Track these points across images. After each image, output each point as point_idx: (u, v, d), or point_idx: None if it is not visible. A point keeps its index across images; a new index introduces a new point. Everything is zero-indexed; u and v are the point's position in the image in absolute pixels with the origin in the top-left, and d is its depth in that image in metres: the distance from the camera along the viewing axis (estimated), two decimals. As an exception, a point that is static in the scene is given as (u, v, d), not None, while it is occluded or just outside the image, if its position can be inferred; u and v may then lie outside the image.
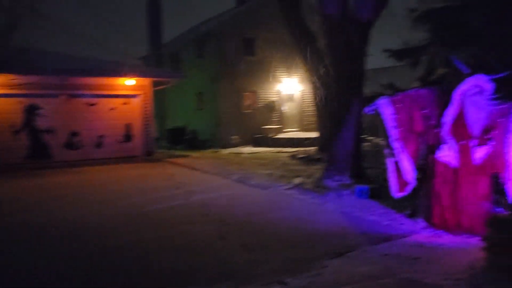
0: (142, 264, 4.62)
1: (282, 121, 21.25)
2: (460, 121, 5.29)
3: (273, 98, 21.19)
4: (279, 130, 20.80)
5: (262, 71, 20.51)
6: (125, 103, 14.40)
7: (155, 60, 25.21)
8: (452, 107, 5.29)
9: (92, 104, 13.95)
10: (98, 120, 14.04)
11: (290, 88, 21.19)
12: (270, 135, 19.92)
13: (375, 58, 15.24)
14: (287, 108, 21.43)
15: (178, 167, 12.30)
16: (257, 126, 20.29)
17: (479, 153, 5.22)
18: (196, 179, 10.06)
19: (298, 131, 21.23)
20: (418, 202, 5.71)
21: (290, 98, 21.55)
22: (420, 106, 5.55)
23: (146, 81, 14.64)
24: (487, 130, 5.22)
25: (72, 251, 5.08)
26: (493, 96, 5.21)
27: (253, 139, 19.93)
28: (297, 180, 8.62)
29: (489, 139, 5.18)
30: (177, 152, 16.83)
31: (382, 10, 7.99)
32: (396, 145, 5.46)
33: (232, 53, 19.71)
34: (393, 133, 5.47)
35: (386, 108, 5.50)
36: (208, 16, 26.61)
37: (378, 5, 7.77)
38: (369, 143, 15.91)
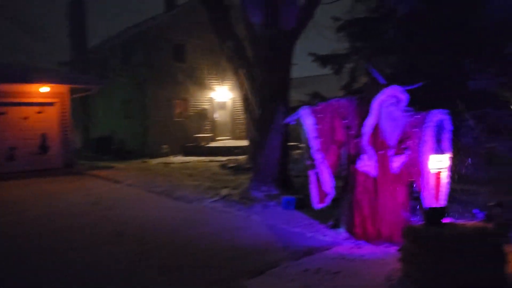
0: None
1: (215, 129, 20.96)
2: (378, 131, 5.36)
3: (205, 106, 20.84)
4: (212, 139, 20.47)
5: (193, 78, 20.10)
6: (39, 112, 13.20)
7: (79, 66, 23.79)
8: (371, 117, 5.34)
9: (1, 113, 12.64)
10: (8, 130, 12.72)
11: (222, 95, 20.97)
12: (202, 144, 19.51)
13: (305, 66, 15.49)
14: (219, 116, 21.19)
15: (99, 180, 11.48)
16: (189, 135, 19.79)
17: (396, 163, 5.31)
18: (117, 193, 9.40)
19: (230, 140, 21.04)
20: (340, 213, 5.70)
21: (223, 106, 21.34)
22: (341, 116, 5.54)
23: (63, 88, 13.56)
24: (403, 140, 5.33)
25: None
26: (408, 107, 5.35)
27: (184, 148, 19.38)
28: (224, 192, 8.35)
29: (405, 149, 5.30)
30: (102, 163, 15.83)
31: (308, 21, 8.04)
32: (317, 155, 5.39)
33: (161, 59, 19.06)
34: (314, 143, 5.40)
35: (307, 118, 5.42)
36: (138, 21, 25.68)
37: (304, 15, 7.80)
38: (300, 151, 16.11)
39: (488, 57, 6.94)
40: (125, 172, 12.64)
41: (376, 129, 5.35)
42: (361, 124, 5.46)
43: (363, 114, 5.49)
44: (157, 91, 18.97)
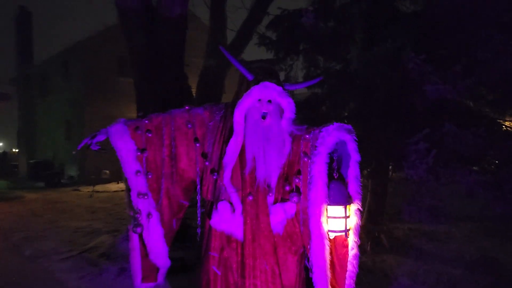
0: None
1: (169, 152, 18.68)
2: (246, 161, 3.10)
3: (158, 126, 18.62)
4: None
5: (142, 95, 17.93)
6: None
7: (24, 82, 21.66)
8: (236, 137, 3.10)
9: None
10: None
11: (177, 114, 18.80)
12: (151, 169, 17.18)
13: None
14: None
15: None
16: (138, 159, 17.44)
17: (278, 216, 3.04)
18: None
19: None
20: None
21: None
22: (191, 136, 3.26)
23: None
24: (288, 177, 3.08)
25: None
26: (295, 121, 3.13)
27: (132, 173, 17.02)
28: (93, 243, 6.05)
29: (292, 192, 3.05)
30: (18, 192, 13.47)
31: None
32: (141, 204, 3.09)
33: (103, 73, 16.91)
34: (136, 183, 3.11)
35: (122, 140, 3.16)
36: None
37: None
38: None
39: (451, 52, 4.83)
40: (19, 207, 10.27)
41: (244, 157, 3.10)
42: (224, 150, 3.19)
43: (228, 133, 3.24)
44: (98, 109, 16.71)
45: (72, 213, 9.16)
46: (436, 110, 4.70)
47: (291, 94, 6.21)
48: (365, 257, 5.17)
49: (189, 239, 5.94)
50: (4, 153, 24.96)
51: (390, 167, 6.14)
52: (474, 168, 4.92)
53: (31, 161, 18.97)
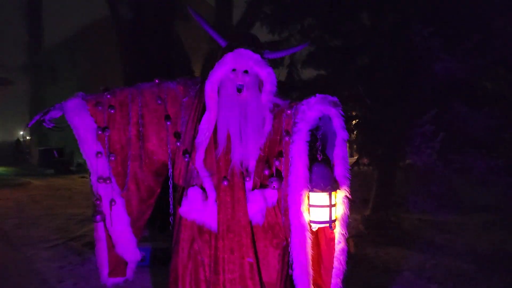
0: None
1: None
2: (219, 140, 2.72)
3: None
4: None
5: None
6: None
7: (33, 69, 21.65)
8: (208, 114, 2.72)
9: None
10: None
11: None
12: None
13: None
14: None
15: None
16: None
17: (257, 204, 2.68)
18: None
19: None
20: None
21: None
22: (161, 113, 2.90)
23: None
24: (268, 158, 2.71)
25: None
26: (277, 94, 2.73)
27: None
28: (81, 231, 5.81)
29: (272, 176, 2.67)
30: (27, 179, 13.42)
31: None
32: (103, 190, 2.76)
33: (110, 59, 16.64)
34: (98, 166, 2.76)
35: (80, 117, 2.82)
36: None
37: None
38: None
39: (461, 24, 4.32)
40: (23, 193, 10.18)
41: (219, 137, 2.72)
42: (197, 129, 2.82)
43: (203, 110, 2.86)
44: (106, 96, 16.52)
45: (71, 200, 9.03)
46: (446, 90, 4.21)
47: (298, 73, 5.55)
48: (368, 250, 4.79)
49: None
50: (18, 140, 25.20)
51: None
52: (489, 154, 4.45)
53: (41, 148, 19.02)
